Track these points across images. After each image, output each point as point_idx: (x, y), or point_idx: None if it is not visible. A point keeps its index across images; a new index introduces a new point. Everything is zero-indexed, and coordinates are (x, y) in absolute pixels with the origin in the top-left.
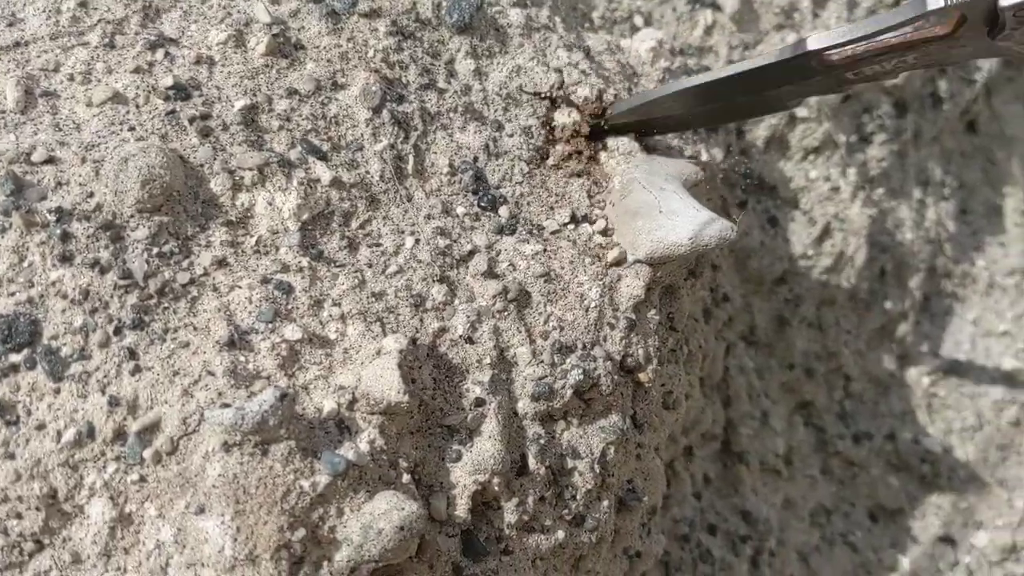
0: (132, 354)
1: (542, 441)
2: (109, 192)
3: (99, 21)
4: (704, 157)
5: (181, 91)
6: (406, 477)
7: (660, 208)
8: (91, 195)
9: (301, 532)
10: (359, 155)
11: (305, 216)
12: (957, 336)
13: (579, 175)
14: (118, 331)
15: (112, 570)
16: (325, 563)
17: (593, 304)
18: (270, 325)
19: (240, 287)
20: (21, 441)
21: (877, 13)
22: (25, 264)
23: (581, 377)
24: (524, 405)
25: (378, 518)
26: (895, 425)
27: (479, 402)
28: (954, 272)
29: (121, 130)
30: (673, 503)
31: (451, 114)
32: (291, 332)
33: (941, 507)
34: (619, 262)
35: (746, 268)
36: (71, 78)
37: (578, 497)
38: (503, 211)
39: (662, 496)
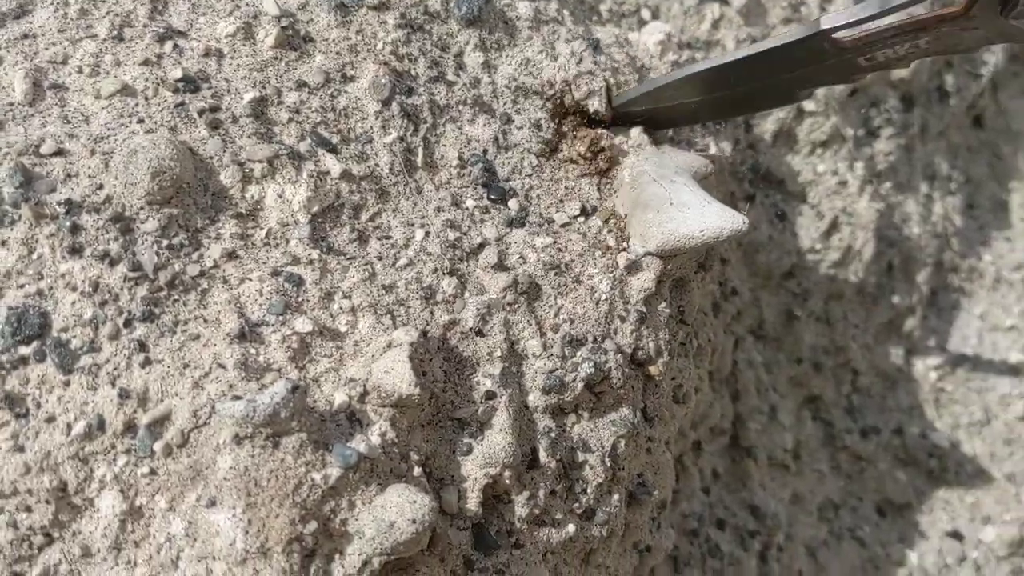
0: (142, 346)
1: (553, 434)
2: (119, 184)
3: (107, 13)
4: (713, 150)
5: (190, 83)
6: (417, 470)
7: (671, 200)
8: (100, 187)
9: (313, 525)
10: (369, 147)
11: (315, 208)
12: (964, 331)
13: (590, 174)
14: (128, 323)
15: (122, 563)
16: (337, 556)
17: (604, 297)
18: (280, 317)
19: (250, 279)
20: (31, 434)
21: None
22: (34, 256)
23: (592, 370)
24: (535, 398)
25: (390, 511)
26: (903, 420)
27: (490, 395)
28: (961, 267)
29: (130, 122)
30: (682, 498)
31: (460, 107)
32: (302, 324)
33: (949, 502)
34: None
35: (754, 262)
36: (79, 70)
37: (589, 491)
38: (513, 204)
39: (671, 491)
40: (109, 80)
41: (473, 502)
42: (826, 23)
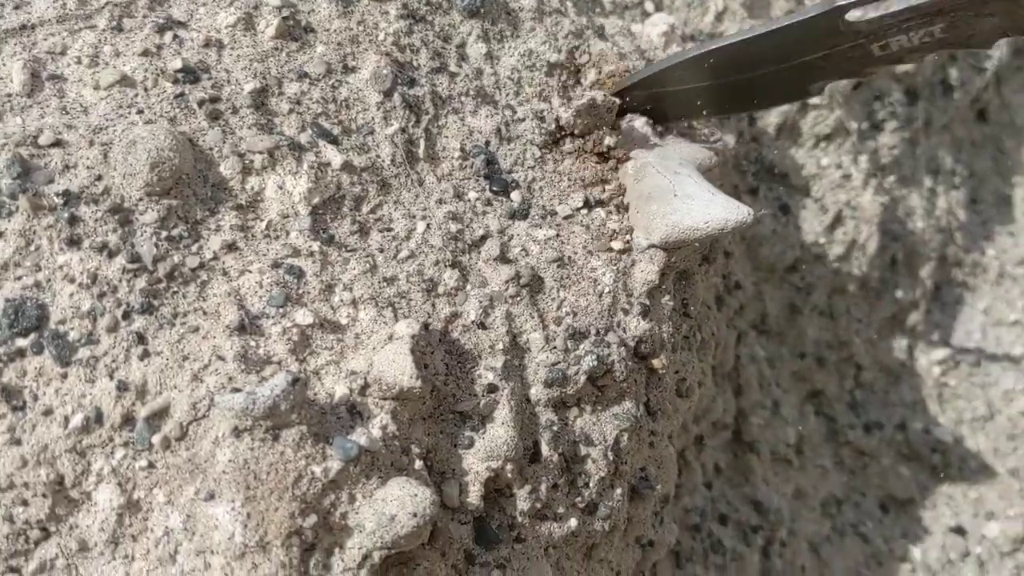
0: (141, 339)
1: (555, 428)
2: (117, 175)
3: (106, 4)
4: (717, 143)
5: (190, 74)
6: (418, 463)
7: (675, 192)
8: (99, 178)
9: (312, 519)
10: (370, 139)
11: (316, 200)
12: (968, 325)
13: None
14: (127, 315)
15: (120, 558)
16: (337, 550)
17: (607, 289)
18: (281, 310)
19: (250, 271)
20: (28, 426)
21: None
22: (32, 248)
23: (595, 363)
24: (537, 391)
25: (391, 504)
26: (906, 415)
27: (491, 388)
28: (965, 261)
29: (129, 113)
30: (684, 493)
31: (463, 98)
32: (302, 317)
33: (952, 497)
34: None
35: (758, 256)
36: (78, 61)
37: (591, 485)
38: (515, 196)
39: (674, 485)
40: (108, 71)
41: (474, 496)
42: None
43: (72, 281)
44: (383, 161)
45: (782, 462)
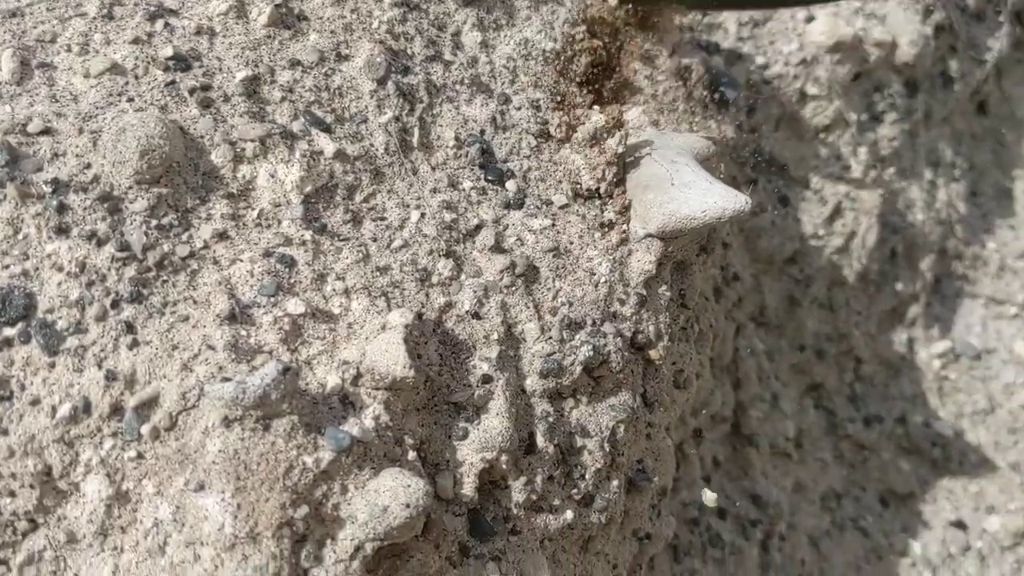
0: (130, 328)
1: (551, 419)
2: (107, 163)
3: None
4: (715, 133)
5: (181, 62)
6: (412, 454)
7: (672, 181)
8: (88, 166)
9: (304, 509)
10: (363, 127)
11: (308, 189)
12: (968, 319)
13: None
14: (115, 304)
15: (108, 549)
16: (328, 541)
17: (603, 279)
18: (272, 299)
19: (241, 260)
20: (15, 417)
21: None
22: (20, 236)
23: (591, 354)
24: (532, 382)
25: (383, 495)
26: (906, 408)
27: (486, 379)
28: (965, 254)
29: (119, 101)
30: (682, 486)
31: (457, 86)
32: (294, 306)
33: (952, 491)
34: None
35: (756, 247)
36: (68, 49)
37: (587, 476)
38: (511, 185)
39: (672, 478)
40: (98, 59)
41: (469, 487)
42: None
43: (60, 270)
44: (376, 150)
45: (781, 456)
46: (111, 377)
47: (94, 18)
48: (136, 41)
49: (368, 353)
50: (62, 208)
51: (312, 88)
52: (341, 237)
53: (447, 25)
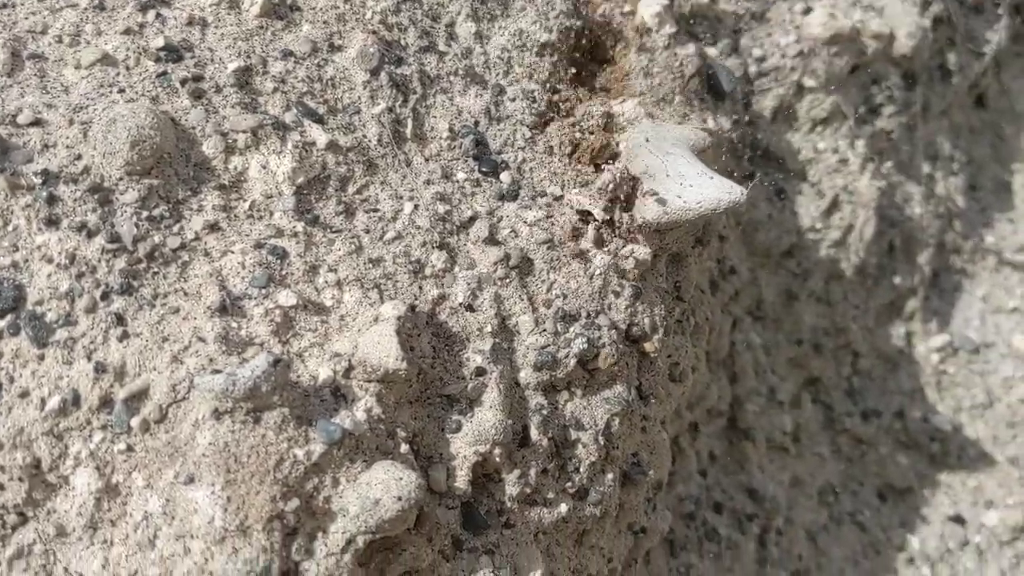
0: (120, 320)
1: (545, 412)
2: (97, 154)
3: None
4: (711, 125)
5: (173, 53)
6: (404, 447)
7: (667, 172)
8: (79, 157)
9: (295, 502)
10: (356, 118)
11: (300, 180)
12: (966, 313)
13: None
14: (105, 296)
15: (98, 543)
16: (320, 534)
17: (597, 271)
18: (263, 291)
19: (233, 252)
20: (3, 409)
21: None
22: (9, 228)
23: (585, 346)
24: (526, 375)
25: (375, 488)
26: (904, 402)
27: (480, 371)
28: (963, 248)
29: (110, 92)
30: (678, 480)
31: (451, 77)
32: (285, 298)
33: (951, 486)
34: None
35: (753, 241)
36: (59, 40)
37: (581, 470)
38: (505, 177)
39: (667, 472)
40: (89, 50)
41: (462, 480)
42: None
43: (50, 261)
44: (369, 141)
45: (778, 450)
46: (101, 369)
47: (85, 9)
48: (127, 32)
49: (360, 345)
50: (52, 199)
51: (305, 79)
52: (333, 229)
53: (441, 16)
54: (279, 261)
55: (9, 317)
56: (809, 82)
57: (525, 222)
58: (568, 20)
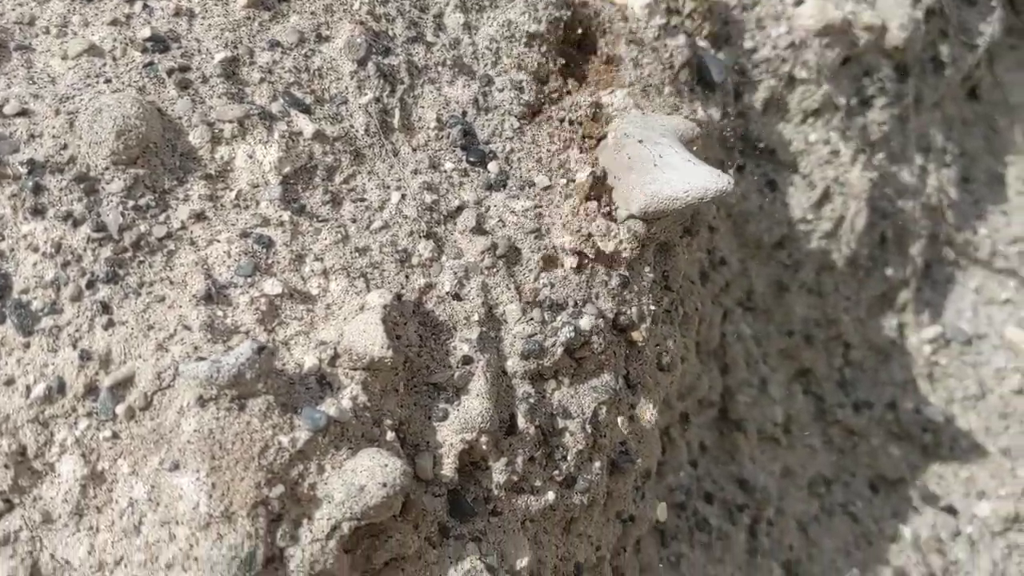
0: (105, 308)
1: (532, 400)
2: (83, 144)
3: None
4: (701, 116)
5: (159, 43)
6: (390, 435)
7: (655, 162)
8: (65, 147)
9: (280, 489)
10: (343, 108)
11: (287, 170)
12: (959, 304)
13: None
14: (91, 285)
15: (84, 529)
16: (305, 521)
17: (585, 261)
18: (249, 279)
19: (219, 241)
20: None
21: None
22: None
23: (572, 335)
24: (513, 363)
25: (360, 475)
26: (896, 394)
27: (467, 360)
28: (956, 240)
29: (97, 82)
30: (669, 470)
31: (439, 68)
32: (271, 287)
33: (943, 476)
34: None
35: (744, 232)
36: (46, 31)
37: (569, 458)
38: (492, 166)
39: (656, 461)
40: (76, 41)
41: (449, 468)
42: None
43: (36, 250)
44: (357, 131)
45: (769, 441)
46: (86, 357)
47: (72, 0)
48: (114, 23)
49: (346, 334)
50: (38, 189)
51: (291, 69)
52: (320, 218)
53: (429, 6)
54: (265, 250)
55: None
56: (800, 73)
57: (512, 212)
58: (557, 11)
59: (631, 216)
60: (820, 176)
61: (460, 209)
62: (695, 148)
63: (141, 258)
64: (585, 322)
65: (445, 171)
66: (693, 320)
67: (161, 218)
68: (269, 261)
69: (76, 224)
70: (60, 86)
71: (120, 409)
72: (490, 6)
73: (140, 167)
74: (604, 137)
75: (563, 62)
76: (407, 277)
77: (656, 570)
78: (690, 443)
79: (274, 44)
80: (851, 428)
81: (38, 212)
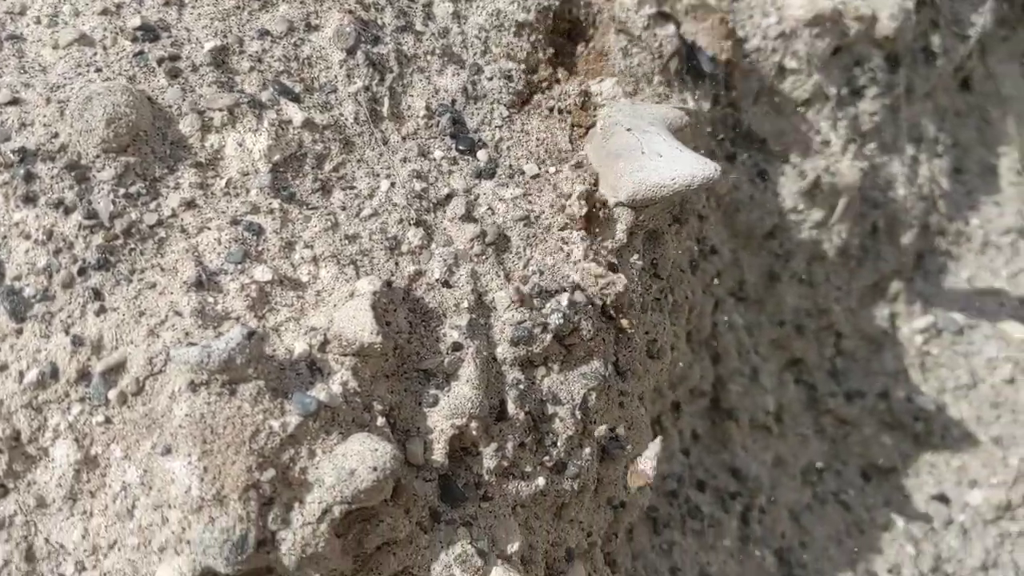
0: (97, 294)
1: (521, 386)
2: (74, 132)
3: None
4: (691, 106)
5: (149, 32)
6: (381, 420)
7: (643, 150)
8: (56, 135)
9: (271, 472)
10: (333, 97)
11: (276, 157)
12: (951, 294)
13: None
14: (83, 272)
15: (78, 514)
16: (296, 504)
17: (574, 248)
18: (239, 266)
19: (209, 228)
20: None
21: None
22: None
23: (561, 322)
24: (503, 350)
25: (351, 459)
26: (888, 383)
27: (456, 346)
28: (948, 230)
29: (87, 71)
30: (661, 459)
31: (428, 57)
32: (261, 273)
33: (935, 465)
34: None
35: (735, 222)
36: (37, 21)
37: (559, 444)
38: (482, 155)
39: (646, 447)
40: (67, 30)
41: (439, 453)
42: None
43: (28, 238)
44: (346, 119)
45: (761, 430)
46: (78, 343)
47: None
48: (105, 12)
49: (336, 320)
50: (29, 177)
51: (281, 58)
52: (310, 206)
53: None
54: (255, 237)
55: None
56: (791, 63)
57: (502, 200)
58: (546, 0)
59: (619, 204)
60: (811, 166)
61: (449, 197)
62: (684, 136)
63: (132, 245)
64: (574, 309)
65: (434, 159)
66: (683, 309)
67: (152, 206)
68: (259, 248)
69: (67, 212)
70: (51, 75)
71: (112, 394)
72: None
73: (131, 155)
74: (593, 126)
75: (552, 51)
76: (397, 264)
77: (648, 557)
78: (682, 432)
79: (263, 33)
80: (843, 417)
81: (29, 200)
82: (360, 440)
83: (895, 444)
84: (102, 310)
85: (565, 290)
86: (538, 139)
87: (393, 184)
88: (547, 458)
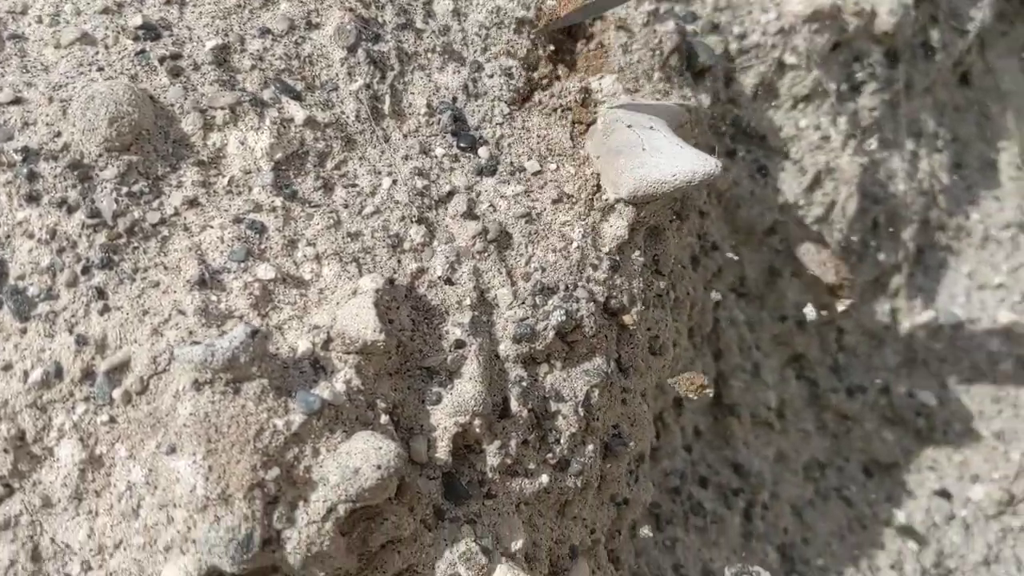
0: (100, 293)
1: (524, 384)
2: (77, 131)
3: None
4: (691, 102)
5: (151, 31)
6: (384, 418)
7: (643, 146)
8: (58, 134)
9: (275, 471)
10: (334, 95)
11: (278, 156)
12: (952, 289)
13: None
14: (86, 270)
15: (83, 513)
16: (301, 503)
17: (575, 245)
18: (242, 264)
19: (212, 227)
20: None
21: None
22: None
23: (563, 318)
24: (506, 347)
25: (355, 457)
26: (889, 378)
27: (459, 344)
28: (948, 225)
29: (89, 71)
30: (663, 455)
31: (429, 54)
32: (264, 272)
33: (937, 461)
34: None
35: (736, 218)
36: (39, 20)
37: (562, 441)
38: (483, 152)
39: (650, 444)
40: (69, 29)
41: (443, 451)
42: None
43: (31, 237)
44: (347, 117)
45: (763, 425)
46: (82, 342)
47: None
48: (106, 11)
49: (339, 318)
50: (32, 176)
51: (282, 56)
52: (312, 204)
53: None
54: (258, 235)
55: None
56: (790, 59)
57: (503, 196)
58: None
59: (620, 200)
60: (811, 161)
61: (451, 194)
62: (684, 133)
63: (135, 244)
64: (576, 306)
65: (436, 157)
66: (685, 304)
67: (155, 204)
68: (262, 246)
69: (71, 211)
70: (53, 74)
71: (117, 393)
72: None
73: (133, 154)
74: (593, 122)
75: (552, 48)
76: (399, 262)
77: (651, 553)
78: (684, 428)
79: (265, 31)
80: (845, 413)
81: (33, 199)
82: (364, 438)
83: (897, 439)
84: (106, 309)
85: (567, 287)
86: (539, 136)
87: (395, 182)
88: (550, 455)
